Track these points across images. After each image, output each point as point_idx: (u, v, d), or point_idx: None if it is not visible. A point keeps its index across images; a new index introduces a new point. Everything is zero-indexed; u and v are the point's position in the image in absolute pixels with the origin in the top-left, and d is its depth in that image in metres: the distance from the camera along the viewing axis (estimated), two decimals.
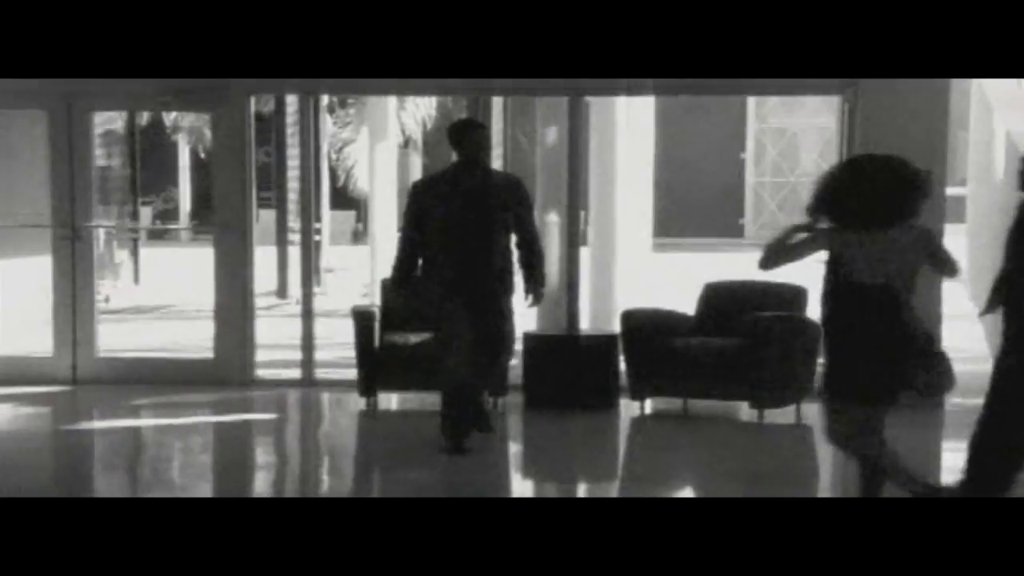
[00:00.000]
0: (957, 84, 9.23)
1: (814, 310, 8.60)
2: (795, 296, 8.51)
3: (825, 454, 8.06)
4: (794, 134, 26.55)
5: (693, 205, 23.91)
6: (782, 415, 8.22)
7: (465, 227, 6.97)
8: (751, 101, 25.50)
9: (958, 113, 9.96)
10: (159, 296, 16.39)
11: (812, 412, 8.36)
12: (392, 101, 16.09)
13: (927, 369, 5.21)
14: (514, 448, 8.06)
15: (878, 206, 5.11)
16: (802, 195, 27.61)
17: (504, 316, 7.13)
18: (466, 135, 7.10)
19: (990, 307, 5.71)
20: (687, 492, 6.54)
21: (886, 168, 5.22)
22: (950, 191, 8.83)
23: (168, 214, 26.64)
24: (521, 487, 6.98)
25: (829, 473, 7.70)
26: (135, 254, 17.86)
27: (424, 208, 7.08)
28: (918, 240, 5.18)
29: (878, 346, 5.15)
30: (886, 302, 5.12)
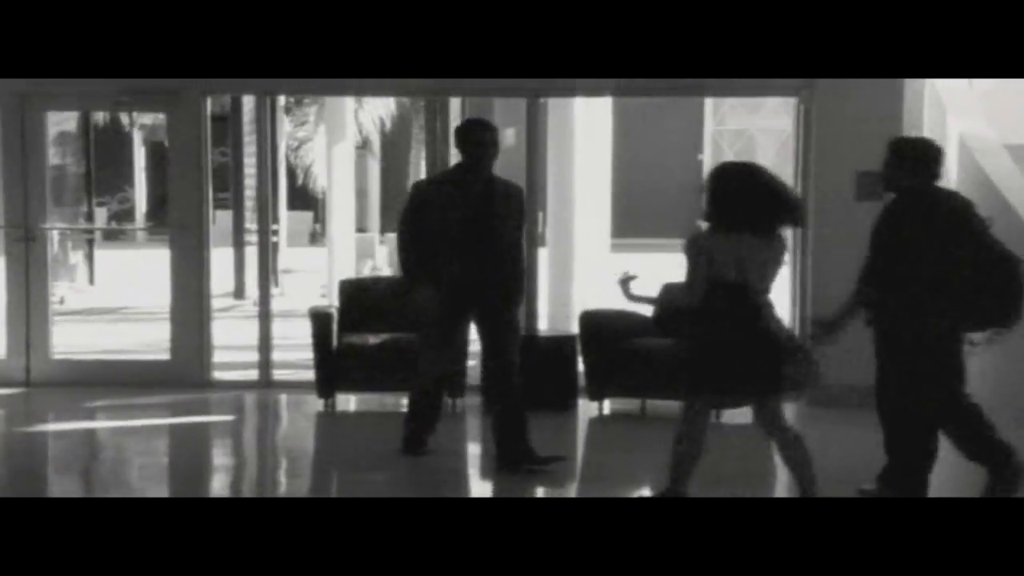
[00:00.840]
0: (910, 86, 9.31)
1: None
2: None
3: None
4: (751, 136, 26.70)
5: (651, 206, 23.98)
6: (739, 415, 8.25)
7: (471, 234, 6.65)
8: (708, 103, 25.64)
9: (912, 115, 10.03)
10: (115, 297, 16.27)
11: None
12: (350, 101, 16.05)
13: (788, 364, 5.51)
14: (472, 449, 8.06)
15: (755, 214, 5.47)
16: None
17: (512, 325, 6.89)
18: (471, 136, 6.74)
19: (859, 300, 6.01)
20: (646, 492, 6.55)
21: (767, 181, 5.58)
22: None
23: (123, 215, 26.45)
24: (480, 488, 6.98)
25: (787, 473, 7.75)
26: (90, 255, 17.73)
27: (426, 211, 6.70)
28: (778, 250, 5.57)
29: (736, 340, 5.45)
30: (744, 299, 5.45)
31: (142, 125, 24.26)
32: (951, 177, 10.26)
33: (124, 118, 22.93)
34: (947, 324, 5.77)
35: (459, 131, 6.87)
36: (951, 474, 6.93)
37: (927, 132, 11.45)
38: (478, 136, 6.73)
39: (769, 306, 5.56)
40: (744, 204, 5.48)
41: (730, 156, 26.82)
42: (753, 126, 26.52)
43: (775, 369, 5.50)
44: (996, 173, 9.05)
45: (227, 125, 16.75)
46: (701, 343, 5.56)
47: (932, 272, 5.71)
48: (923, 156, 5.93)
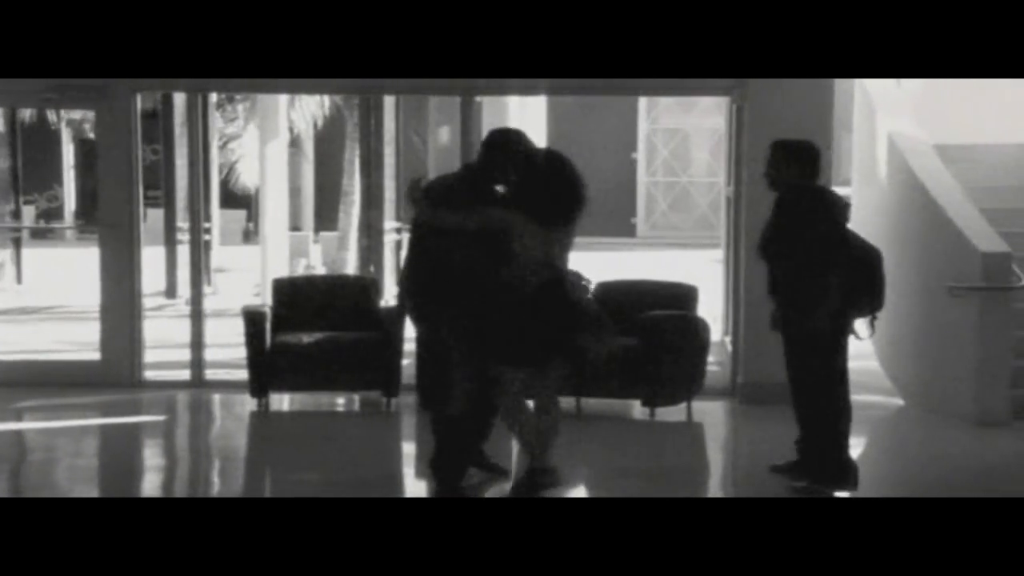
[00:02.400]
0: (840, 86, 9.41)
1: (705, 308, 8.76)
2: (686, 295, 8.62)
3: (717, 451, 8.19)
4: (685, 134, 26.86)
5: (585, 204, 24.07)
6: (673, 413, 8.32)
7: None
8: (642, 102, 25.74)
9: (843, 114, 10.14)
10: (43, 296, 16.03)
11: (703, 409, 8.48)
12: (283, 99, 15.92)
13: (586, 330, 5.95)
14: (407, 448, 8.04)
15: (561, 207, 5.95)
16: (694, 195, 27.92)
17: None
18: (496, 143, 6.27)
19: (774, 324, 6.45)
20: (581, 491, 6.57)
21: (572, 176, 6.01)
22: (836, 191, 8.99)
23: (52, 213, 26.07)
24: (415, 487, 6.95)
25: (721, 470, 7.82)
26: (17, 254, 17.45)
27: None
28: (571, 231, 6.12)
29: (541, 309, 5.84)
30: (550, 275, 5.86)
31: (71, 121, 23.93)
32: (881, 176, 10.39)
33: (52, 114, 22.59)
34: (829, 313, 6.12)
35: (489, 136, 6.43)
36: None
37: (857, 131, 11.61)
38: (497, 147, 6.28)
39: (566, 280, 5.92)
40: (547, 192, 5.90)
41: (665, 155, 26.99)
42: (687, 125, 26.68)
43: (572, 334, 5.90)
44: (924, 172, 9.17)
45: (158, 122, 16.55)
46: (506, 313, 5.84)
47: (812, 264, 6.09)
48: (802, 156, 6.37)
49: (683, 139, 26.89)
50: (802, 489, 6.27)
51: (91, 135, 20.89)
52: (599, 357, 6.26)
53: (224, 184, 20.04)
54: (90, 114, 16.03)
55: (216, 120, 18.61)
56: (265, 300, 11.37)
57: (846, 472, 6.24)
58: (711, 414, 8.57)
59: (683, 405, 8.34)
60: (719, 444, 8.31)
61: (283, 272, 14.52)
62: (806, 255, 6.10)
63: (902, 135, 9.91)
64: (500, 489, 6.33)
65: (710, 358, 8.69)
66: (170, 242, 15.93)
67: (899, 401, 9.09)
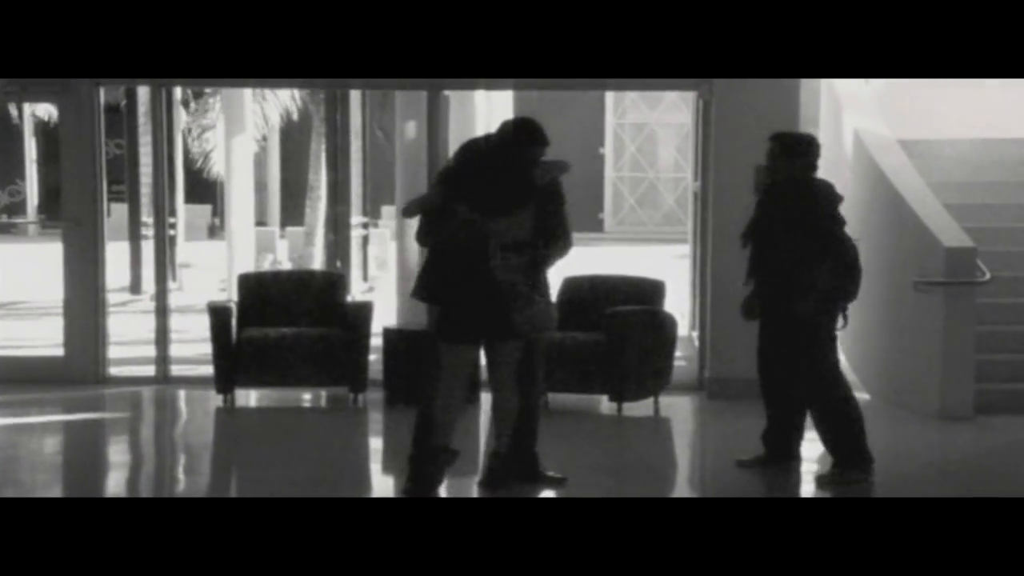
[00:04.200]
0: (807, 83, 9.44)
1: (672, 303, 8.79)
2: (653, 290, 8.64)
3: (684, 446, 8.22)
4: (652, 130, 26.90)
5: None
6: (641, 408, 8.33)
7: None
8: (609, 97, 25.75)
9: (810, 111, 10.17)
10: (6, 292, 15.90)
11: (670, 404, 8.50)
12: (248, 93, 15.84)
13: (519, 311, 5.98)
14: (375, 443, 8.03)
15: (505, 196, 5.99)
16: (661, 190, 27.91)
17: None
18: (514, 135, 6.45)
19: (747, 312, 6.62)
20: (549, 488, 6.56)
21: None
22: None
23: (14, 207, 25.86)
24: (383, 484, 6.94)
25: (688, 465, 7.84)
26: None
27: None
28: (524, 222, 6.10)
29: (469, 288, 5.93)
30: (479, 259, 5.92)
31: (34, 114, 23.73)
32: (846, 172, 10.44)
33: (14, 107, 22.40)
34: (819, 303, 6.28)
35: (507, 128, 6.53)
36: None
37: (823, 128, 11.65)
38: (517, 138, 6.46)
39: (495, 261, 5.94)
40: (490, 185, 6.00)
41: (632, 150, 27.03)
42: (653, 120, 26.72)
43: (505, 314, 5.93)
44: (890, 168, 9.23)
45: (122, 116, 16.43)
46: (442, 292, 5.99)
47: (808, 252, 6.26)
48: (804, 148, 6.50)
49: (650, 135, 26.93)
50: (833, 477, 6.38)
51: (55, 129, 20.74)
52: (537, 339, 6.26)
53: (199, 172, 19.94)
54: (53, 108, 15.91)
55: (183, 116, 18.51)
56: (231, 295, 11.32)
57: (866, 461, 6.40)
58: (678, 409, 8.59)
59: (650, 400, 8.36)
60: (686, 439, 8.34)
61: (249, 267, 14.46)
62: (804, 243, 6.25)
63: (868, 131, 9.96)
64: (467, 484, 6.33)
65: (677, 353, 8.71)
66: (134, 237, 15.83)
67: (864, 395, 9.14)
